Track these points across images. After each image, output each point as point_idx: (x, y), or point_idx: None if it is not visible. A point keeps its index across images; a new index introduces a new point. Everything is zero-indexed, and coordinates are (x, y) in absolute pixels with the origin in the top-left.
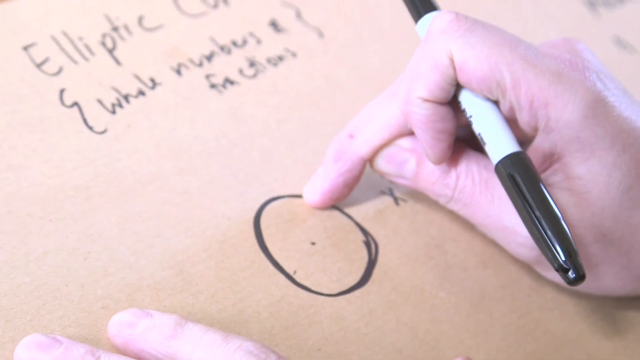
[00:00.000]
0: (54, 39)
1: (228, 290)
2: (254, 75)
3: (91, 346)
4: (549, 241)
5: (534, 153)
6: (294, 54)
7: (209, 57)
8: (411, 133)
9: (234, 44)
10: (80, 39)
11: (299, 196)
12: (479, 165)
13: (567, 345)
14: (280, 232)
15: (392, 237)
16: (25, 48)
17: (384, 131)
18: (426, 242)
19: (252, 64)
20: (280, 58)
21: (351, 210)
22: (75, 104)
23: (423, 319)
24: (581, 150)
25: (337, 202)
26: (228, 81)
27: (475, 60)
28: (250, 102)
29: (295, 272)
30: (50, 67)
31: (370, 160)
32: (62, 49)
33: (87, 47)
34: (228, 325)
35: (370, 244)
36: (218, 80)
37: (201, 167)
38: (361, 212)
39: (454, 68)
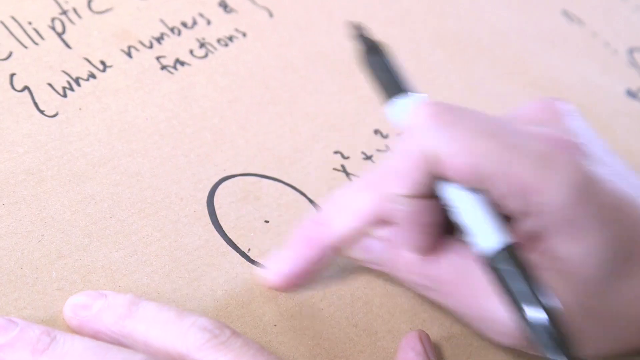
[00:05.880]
0: (2, 23)
1: (182, 269)
2: (205, 56)
3: (47, 327)
4: (546, 341)
5: (520, 234)
6: (244, 34)
7: (159, 39)
8: (384, 221)
9: (184, 25)
10: (30, 23)
11: (252, 175)
12: (459, 255)
13: None
14: (233, 210)
15: None
16: None
17: (357, 221)
18: None
19: (202, 44)
20: (231, 38)
21: (304, 187)
22: (26, 88)
23: (377, 293)
24: (570, 233)
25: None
26: (179, 62)
27: (460, 155)
28: (201, 83)
29: (249, 249)
30: None
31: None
32: (12, 34)
33: (37, 31)
34: (183, 304)
35: None
36: (169, 61)
37: (153, 149)
38: (314, 188)
39: (439, 163)
